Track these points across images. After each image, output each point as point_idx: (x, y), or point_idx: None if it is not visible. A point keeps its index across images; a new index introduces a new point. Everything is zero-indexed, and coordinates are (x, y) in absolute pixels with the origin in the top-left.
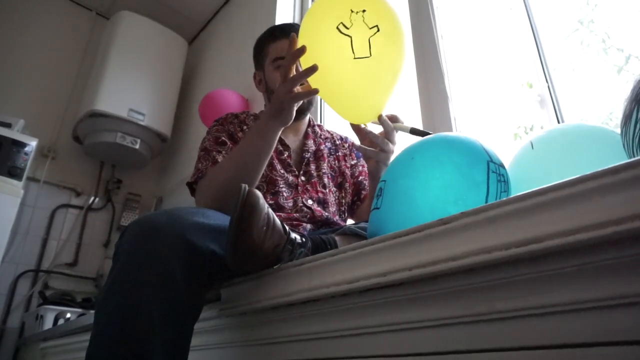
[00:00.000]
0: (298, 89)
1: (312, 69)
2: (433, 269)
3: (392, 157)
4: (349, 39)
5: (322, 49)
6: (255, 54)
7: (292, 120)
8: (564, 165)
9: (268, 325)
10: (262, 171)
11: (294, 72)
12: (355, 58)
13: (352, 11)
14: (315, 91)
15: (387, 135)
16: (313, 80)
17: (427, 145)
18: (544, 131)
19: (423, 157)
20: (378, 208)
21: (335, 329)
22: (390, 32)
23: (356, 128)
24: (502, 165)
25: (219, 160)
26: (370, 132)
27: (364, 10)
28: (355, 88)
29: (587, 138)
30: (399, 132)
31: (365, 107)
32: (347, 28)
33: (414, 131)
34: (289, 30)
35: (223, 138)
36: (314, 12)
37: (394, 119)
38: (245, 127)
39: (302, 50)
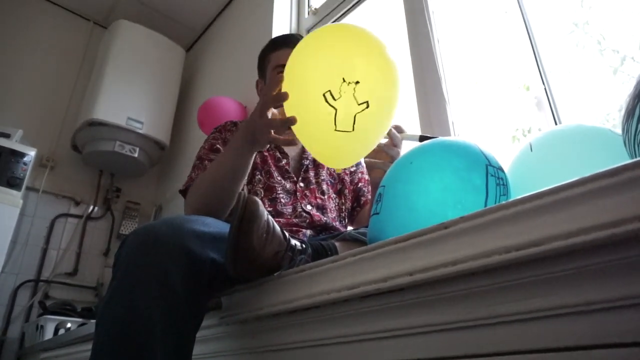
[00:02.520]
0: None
1: (290, 121)
2: (434, 273)
3: None
4: (334, 110)
5: (305, 110)
6: (258, 63)
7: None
8: (564, 166)
9: (269, 333)
10: (240, 185)
11: (274, 112)
12: (336, 130)
13: (343, 80)
14: (292, 142)
15: (396, 147)
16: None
17: (426, 150)
18: (542, 133)
19: (422, 161)
20: (378, 213)
21: (337, 335)
22: (380, 108)
23: None
24: (500, 169)
25: None
26: (383, 145)
27: (357, 82)
28: (332, 149)
29: (585, 138)
30: (405, 141)
31: (344, 158)
32: (334, 99)
33: (423, 139)
34: (290, 40)
35: (218, 146)
36: (306, 63)
37: (398, 129)
38: None
39: (284, 97)
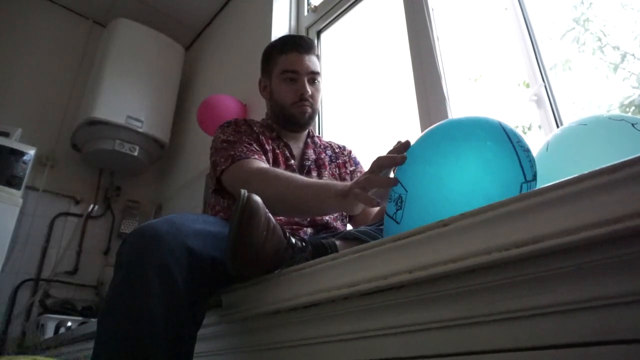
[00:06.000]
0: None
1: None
2: (434, 270)
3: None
4: None
5: None
6: (263, 60)
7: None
8: (578, 165)
9: (269, 331)
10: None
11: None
12: None
13: None
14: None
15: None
16: None
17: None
18: (560, 130)
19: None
20: (398, 222)
21: (337, 333)
22: None
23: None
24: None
25: (252, 149)
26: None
27: None
28: None
29: (602, 136)
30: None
31: None
32: None
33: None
34: (301, 45)
35: (242, 136)
36: None
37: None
38: (255, 129)
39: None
